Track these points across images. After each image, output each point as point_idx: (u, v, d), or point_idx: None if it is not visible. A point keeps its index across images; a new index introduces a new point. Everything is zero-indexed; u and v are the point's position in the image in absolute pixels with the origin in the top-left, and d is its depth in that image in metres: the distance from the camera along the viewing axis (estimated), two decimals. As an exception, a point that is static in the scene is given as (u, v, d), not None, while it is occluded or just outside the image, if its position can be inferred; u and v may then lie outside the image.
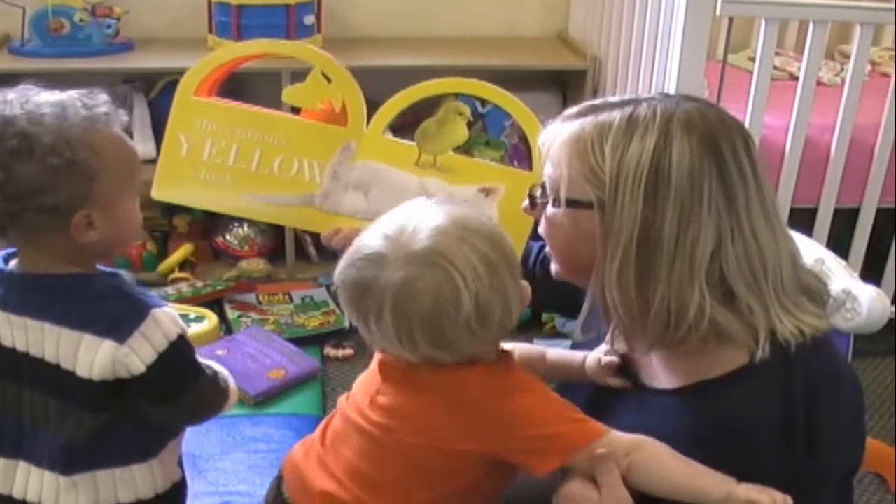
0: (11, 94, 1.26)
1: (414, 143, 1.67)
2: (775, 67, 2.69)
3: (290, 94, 1.74)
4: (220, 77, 1.85)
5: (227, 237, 3.12)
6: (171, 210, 3.28)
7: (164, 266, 2.99)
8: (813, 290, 1.25)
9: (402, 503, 1.25)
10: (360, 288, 1.17)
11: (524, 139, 1.74)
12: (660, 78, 2.44)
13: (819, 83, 2.51)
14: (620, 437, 1.19)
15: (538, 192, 1.30)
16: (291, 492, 1.33)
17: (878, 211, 2.61)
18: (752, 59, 2.56)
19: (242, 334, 2.68)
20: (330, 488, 1.27)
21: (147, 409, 1.31)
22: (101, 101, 1.31)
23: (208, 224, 3.20)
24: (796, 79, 2.53)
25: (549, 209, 1.26)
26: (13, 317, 1.28)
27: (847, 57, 2.82)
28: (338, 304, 2.80)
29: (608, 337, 1.31)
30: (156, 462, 1.35)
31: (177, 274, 2.96)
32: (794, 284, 1.22)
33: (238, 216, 1.80)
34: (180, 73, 2.88)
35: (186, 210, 3.23)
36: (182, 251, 3.02)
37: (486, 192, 1.65)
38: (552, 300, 1.46)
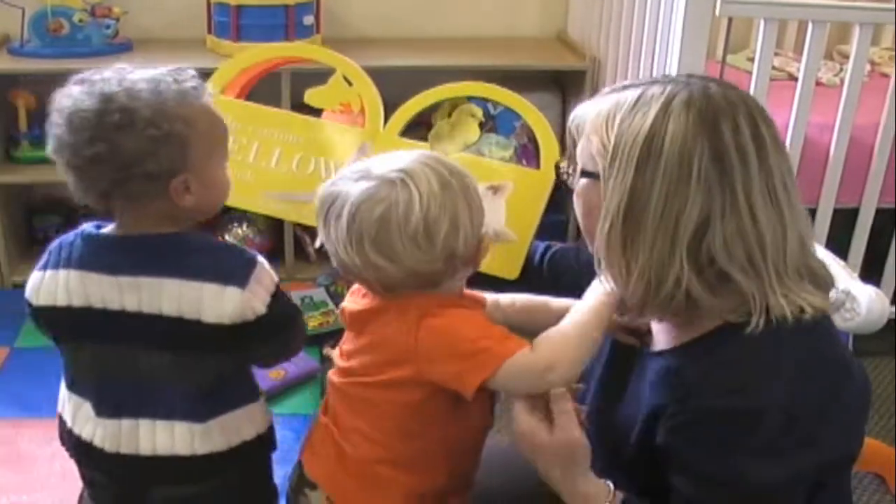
0: (108, 73, 1.37)
1: (427, 144, 1.72)
2: (774, 68, 2.69)
3: (312, 96, 1.79)
4: (248, 81, 1.89)
5: (227, 237, 3.11)
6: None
7: (163, 266, 2.99)
8: (818, 277, 1.25)
9: (389, 442, 1.35)
10: (331, 197, 1.29)
11: (533, 139, 1.77)
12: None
13: (818, 83, 2.51)
14: (537, 355, 1.26)
15: (563, 165, 1.36)
16: (309, 468, 1.43)
17: (878, 211, 2.61)
18: (752, 60, 2.56)
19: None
20: (339, 451, 1.37)
21: (259, 347, 1.43)
22: (189, 76, 1.41)
23: (207, 224, 3.19)
24: (795, 79, 2.53)
25: (574, 182, 1.31)
26: (124, 279, 1.37)
27: (846, 57, 2.82)
28: (336, 305, 2.80)
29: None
30: (262, 398, 1.51)
31: (176, 274, 2.96)
32: (798, 268, 1.22)
33: (256, 212, 1.86)
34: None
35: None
36: (181, 251, 3.02)
37: (495, 189, 1.68)
38: (558, 295, 1.48)
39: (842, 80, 2.65)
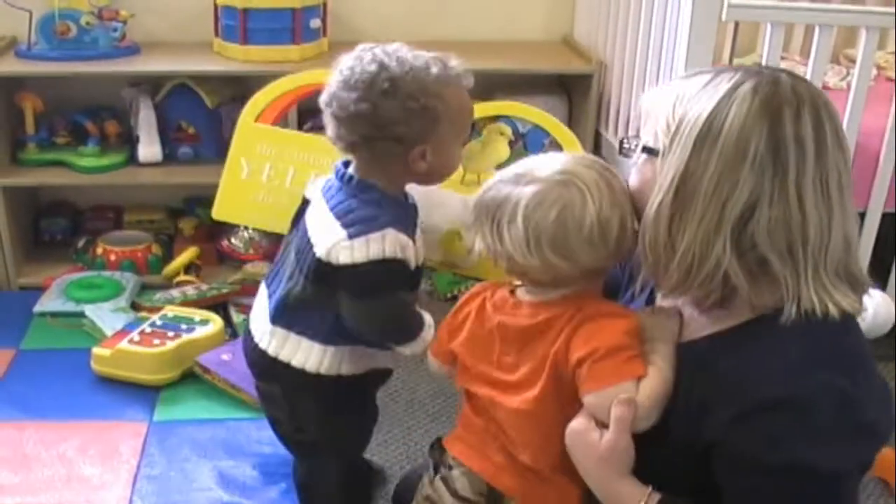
0: (389, 48, 1.60)
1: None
2: (781, 72, 2.68)
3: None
4: (284, 108, 1.92)
5: (233, 240, 3.12)
6: (177, 213, 3.29)
7: (169, 269, 2.99)
8: (857, 282, 1.27)
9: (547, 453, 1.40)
10: (498, 201, 1.36)
11: None
12: (666, 82, 2.44)
13: (825, 87, 2.51)
14: (646, 386, 1.28)
15: (626, 142, 1.39)
16: (457, 454, 1.50)
17: (884, 215, 2.61)
18: (758, 64, 2.56)
19: (247, 337, 2.68)
20: (511, 459, 1.44)
21: (342, 299, 1.62)
22: (455, 62, 1.63)
23: (213, 227, 3.20)
24: (802, 83, 2.52)
25: (632, 157, 1.36)
26: (321, 197, 1.67)
27: (852, 61, 2.82)
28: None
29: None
30: (333, 350, 1.70)
31: (182, 277, 2.97)
32: (838, 268, 1.24)
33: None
34: (186, 76, 2.91)
35: (192, 213, 3.24)
36: (187, 254, 3.02)
37: None
38: None
39: (848, 84, 2.64)
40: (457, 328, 1.53)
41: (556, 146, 2.01)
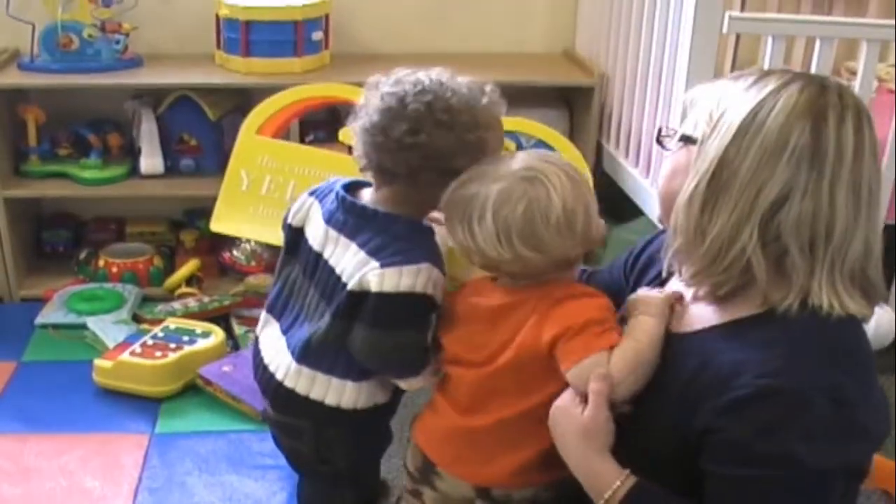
0: (433, 74, 1.54)
1: None
2: (782, 84, 2.68)
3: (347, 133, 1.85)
4: (285, 121, 1.92)
5: (234, 252, 3.12)
6: (178, 225, 3.29)
7: (170, 281, 3.00)
8: (871, 287, 1.28)
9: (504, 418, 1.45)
10: (467, 198, 1.40)
11: None
12: (667, 94, 2.45)
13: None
14: (616, 355, 1.34)
15: (665, 131, 1.41)
16: (426, 449, 1.54)
17: (886, 227, 2.61)
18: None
19: (249, 350, 2.67)
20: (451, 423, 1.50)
21: (358, 325, 1.55)
22: (490, 87, 1.57)
23: (215, 239, 3.20)
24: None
25: (669, 146, 1.38)
26: (332, 231, 1.60)
27: (854, 73, 2.82)
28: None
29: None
30: (367, 384, 1.63)
31: (183, 289, 2.97)
32: (854, 270, 1.25)
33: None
34: (188, 88, 2.92)
35: (193, 225, 3.24)
36: (189, 266, 3.03)
37: None
38: None
39: (849, 97, 2.64)
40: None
41: None
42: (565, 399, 1.36)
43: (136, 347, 2.53)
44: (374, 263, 1.51)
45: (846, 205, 1.22)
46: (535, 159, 1.42)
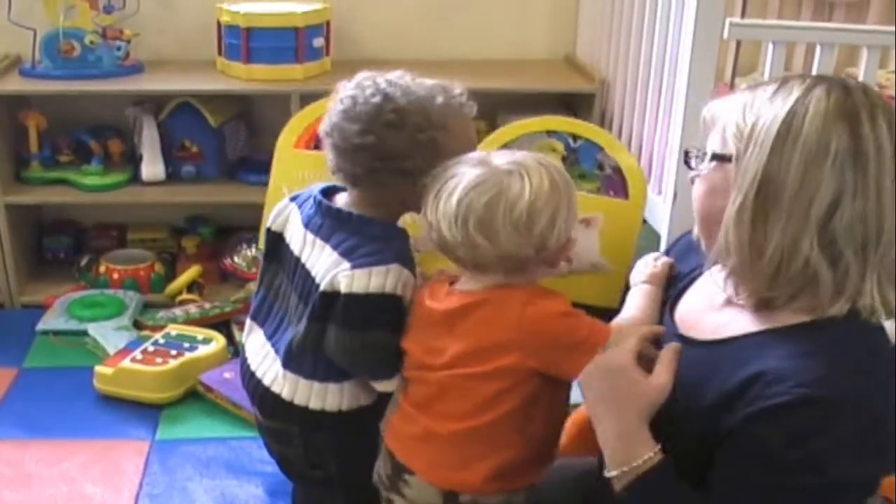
0: (391, 76, 1.57)
1: None
2: (783, 90, 2.68)
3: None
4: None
5: (236, 259, 3.12)
6: (180, 232, 3.29)
7: (172, 287, 3.00)
8: None
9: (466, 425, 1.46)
10: (447, 177, 1.42)
11: (618, 170, 1.78)
12: (668, 100, 2.44)
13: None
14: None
15: (693, 151, 1.38)
16: (398, 453, 1.54)
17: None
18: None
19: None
20: (428, 431, 1.49)
21: (330, 326, 1.57)
22: (457, 91, 1.59)
23: (216, 246, 3.21)
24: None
25: (699, 166, 1.35)
26: (309, 234, 1.63)
27: (854, 80, 2.82)
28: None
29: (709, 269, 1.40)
30: (348, 385, 1.65)
31: (185, 295, 2.97)
32: (891, 267, 1.25)
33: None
34: (190, 94, 2.92)
35: (194, 232, 3.25)
36: (190, 273, 3.03)
37: (586, 222, 1.70)
38: None
39: (850, 103, 2.64)
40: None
41: (609, 160, 2.00)
42: (625, 358, 1.31)
43: (137, 354, 2.53)
44: (346, 264, 1.54)
45: (892, 201, 1.22)
46: (530, 157, 1.43)
